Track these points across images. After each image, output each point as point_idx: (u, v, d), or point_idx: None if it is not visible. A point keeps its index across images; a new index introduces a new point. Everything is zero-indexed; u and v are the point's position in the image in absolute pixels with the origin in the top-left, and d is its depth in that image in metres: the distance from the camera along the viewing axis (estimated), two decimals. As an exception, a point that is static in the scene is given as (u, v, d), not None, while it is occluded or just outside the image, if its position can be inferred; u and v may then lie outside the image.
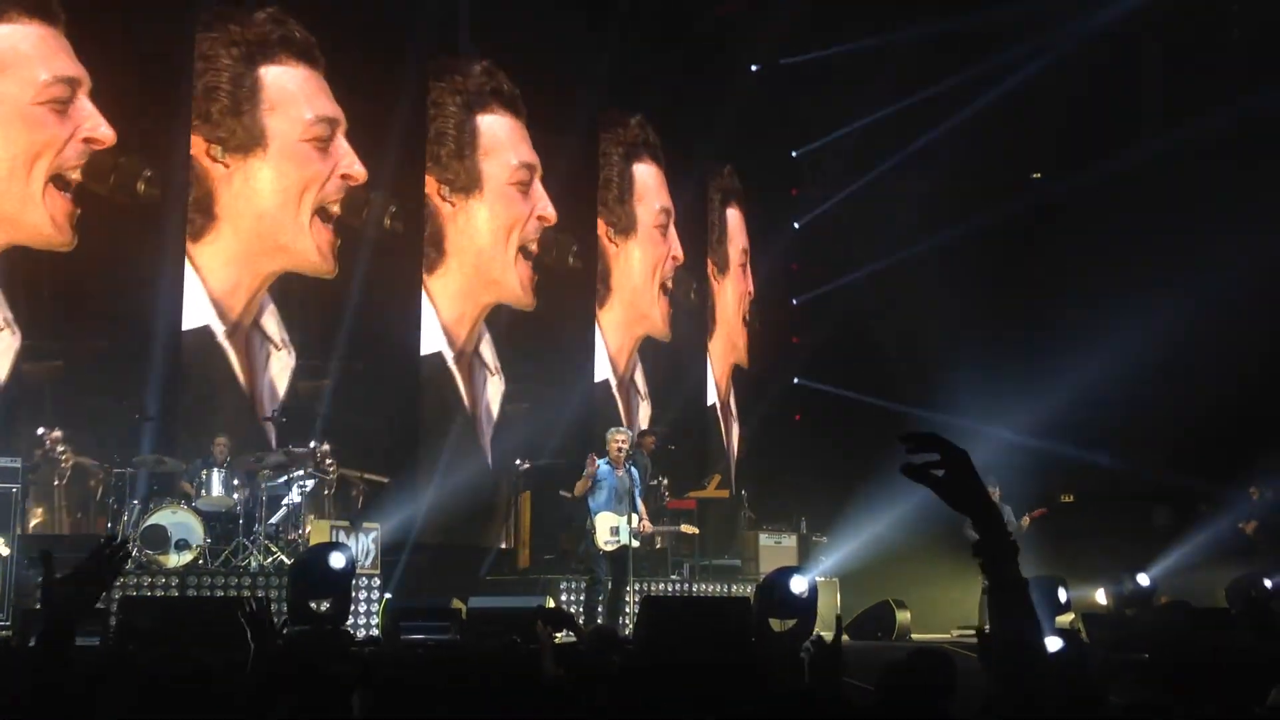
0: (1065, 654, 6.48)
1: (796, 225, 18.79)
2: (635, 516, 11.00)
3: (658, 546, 10.96)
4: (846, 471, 15.22)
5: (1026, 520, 13.32)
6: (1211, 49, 15.41)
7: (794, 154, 18.70)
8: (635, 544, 11.19)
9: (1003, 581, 2.38)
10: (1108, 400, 14.68)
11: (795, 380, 18.30)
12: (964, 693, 4.65)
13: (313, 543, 10.65)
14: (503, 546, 13.75)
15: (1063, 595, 10.10)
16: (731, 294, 18.35)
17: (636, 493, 11.07)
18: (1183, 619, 9.08)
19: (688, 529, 12.08)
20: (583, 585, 11.63)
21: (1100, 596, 11.39)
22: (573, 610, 11.57)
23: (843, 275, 17.60)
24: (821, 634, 5.75)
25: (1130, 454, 15.46)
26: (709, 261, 17.90)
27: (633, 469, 11.13)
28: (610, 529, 10.85)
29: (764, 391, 18.34)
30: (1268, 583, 9.87)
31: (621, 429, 11.64)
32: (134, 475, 10.73)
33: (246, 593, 9.77)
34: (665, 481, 13.45)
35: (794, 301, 18.80)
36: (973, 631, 12.54)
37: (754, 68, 18.03)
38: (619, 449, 11.11)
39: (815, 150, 18.26)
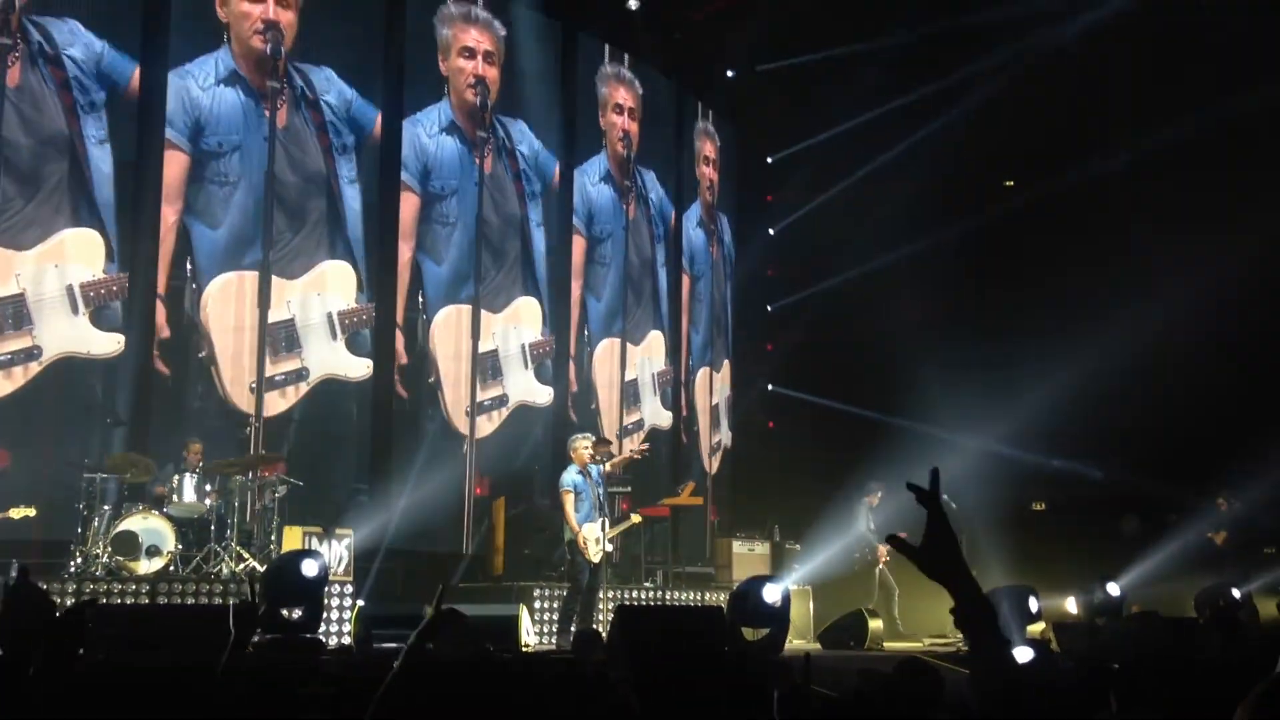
0: (1036, 664, 6.53)
1: (771, 231, 18.87)
2: (607, 521, 11.05)
3: (609, 549, 10.99)
4: (820, 479, 15.29)
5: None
6: (1183, 56, 15.52)
7: (769, 160, 18.78)
8: (610, 549, 11.22)
9: (983, 649, 2.39)
10: (1078, 408, 14.77)
11: (770, 387, 18.36)
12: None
13: (285, 549, 10.60)
14: (479, 553, 13.70)
15: (1033, 605, 10.16)
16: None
17: (601, 495, 11.11)
18: (1153, 629, 9.14)
19: (635, 518, 12.05)
20: (557, 593, 11.63)
21: (1070, 606, 11.46)
22: (549, 617, 11.60)
23: (818, 282, 17.67)
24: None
25: (1100, 463, 15.59)
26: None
27: (594, 473, 11.15)
28: (594, 539, 10.87)
29: (738, 398, 18.39)
30: (1236, 593, 9.96)
31: (585, 435, 11.64)
32: (104, 480, 10.65)
33: (219, 600, 9.72)
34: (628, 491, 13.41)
35: (769, 308, 18.85)
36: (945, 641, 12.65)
37: (729, 73, 18.11)
38: (589, 456, 11.14)
39: (790, 156, 18.34)
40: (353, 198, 13.33)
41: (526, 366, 14.81)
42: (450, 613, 3.55)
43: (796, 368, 17.89)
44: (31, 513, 10.19)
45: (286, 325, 12.75)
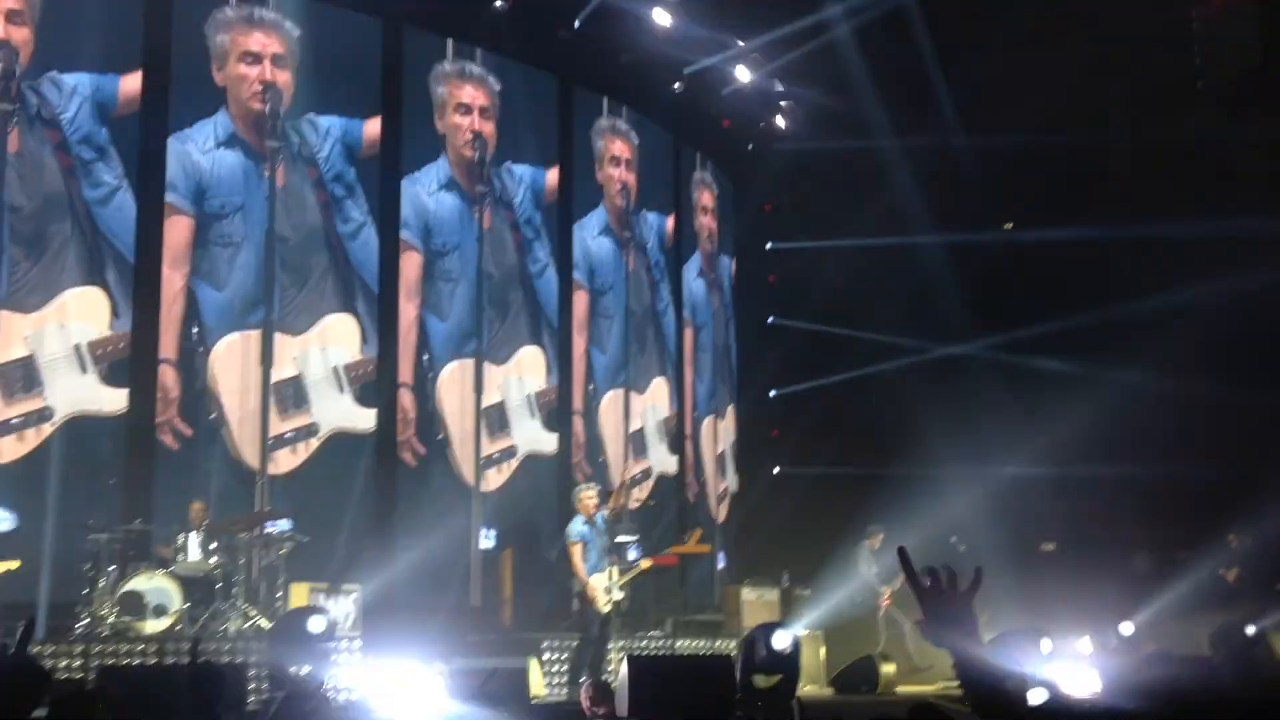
0: (1052, 706, 6.47)
1: (771, 280, 19.01)
2: (615, 570, 11.01)
3: (619, 598, 10.96)
4: (828, 521, 15.25)
5: (898, 582, 13.33)
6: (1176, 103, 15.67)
7: (769, 246, 18.93)
8: (620, 597, 11.18)
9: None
10: (1085, 448, 14.75)
11: (776, 470, 18.26)
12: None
13: (291, 605, 10.56)
14: (485, 605, 13.63)
15: (1045, 646, 10.07)
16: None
17: (607, 545, 11.09)
18: (1167, 668, 9.06)
19: (644, 563, 12.00)
20: (564, 643, 11.57)
21: (1084, 646, 11.35)
22: (559, 668, 11.53)
23: (818, 324, 17.75)
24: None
25: (1110, 501, 15.54)
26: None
27: (600, 523, 11.13)
28: (604, 589, 10.83)
29: (744, 442, 18.39)
30: (1250, 629, 9.87)
31: (590, 485, 11.63)
32: (109, 540, 10.62)
33: (227, 658, 9.66)
34: (636, 540, 13.36)
35: (771, 394, 18.76)
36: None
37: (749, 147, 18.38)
38: (595, 506, 11.12)
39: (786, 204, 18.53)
40: (355, 250, 13.40)
41: (533, 415, 14.83)
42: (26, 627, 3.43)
43: (799, 413, 17.91)
44: (15, 565, 10.05)
45: (293, 382, 12.77)
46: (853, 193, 17.05)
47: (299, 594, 10.87)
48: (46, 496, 11.15)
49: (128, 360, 11.83)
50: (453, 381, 14.12)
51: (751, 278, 19.11)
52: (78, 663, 9.43)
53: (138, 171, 12.13)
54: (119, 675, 8.31)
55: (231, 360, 12.44)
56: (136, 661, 9.53)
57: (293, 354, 12.79)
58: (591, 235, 16.24)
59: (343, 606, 11.08)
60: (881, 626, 13.44)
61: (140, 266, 12.04)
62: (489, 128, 14.78)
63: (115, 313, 11.76)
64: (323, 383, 12.95)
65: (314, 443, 12.82)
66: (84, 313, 11.61)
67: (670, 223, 17.52)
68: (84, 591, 10.32)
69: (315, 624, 8.78)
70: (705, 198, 18.45)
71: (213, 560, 10.80)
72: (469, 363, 14.28)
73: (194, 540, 10.81)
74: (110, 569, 10.38)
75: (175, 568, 10.59)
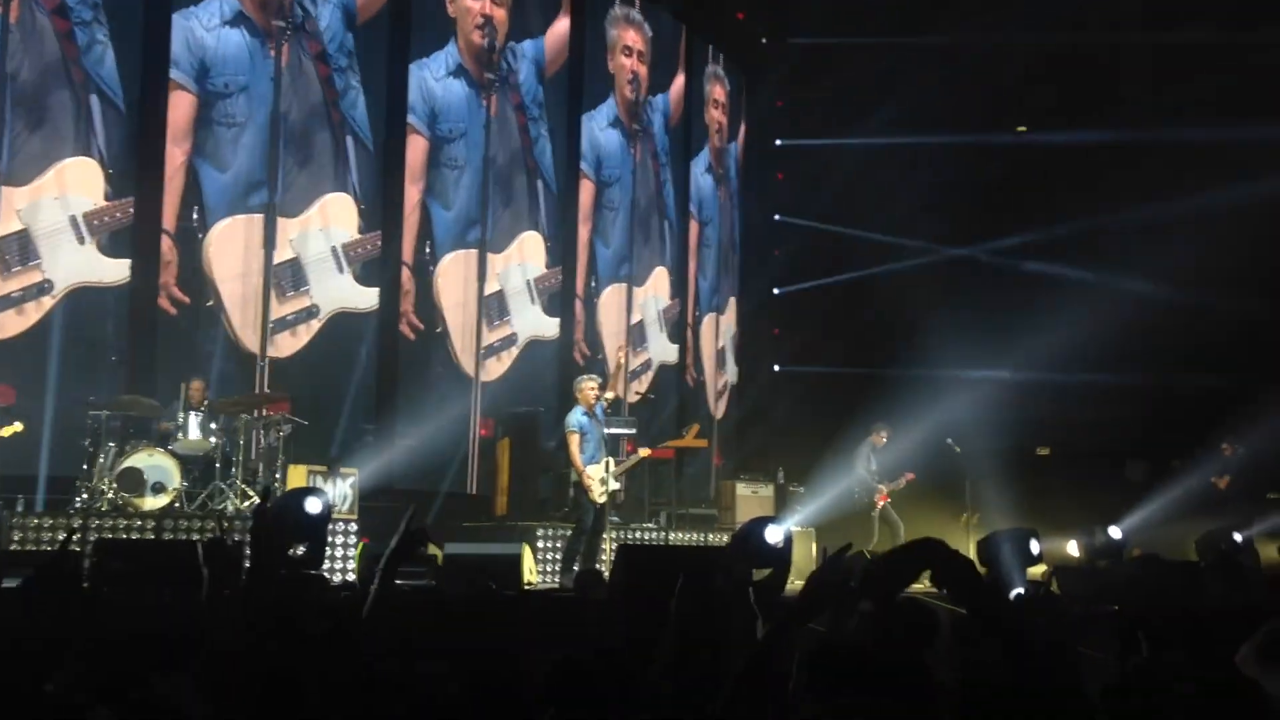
0: (1032, 601, 6.54)
1: (781, 177, 18.83)
2: (611, 461, 11.08)
3: (615, 489, 11.04)
4: (824, 420, 15.33)
5: (902, 482, 13.52)
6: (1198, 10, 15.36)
7: (778, 143, 18.68)
8: (617, 486, 11.25)
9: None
10: (1085, 356, 14.76)
11: (776, 368, 18.28)
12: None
13: (289, 487, 10.64)
14: (484, 493, 13.74)
15: (1034, 547, 10.15)
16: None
17: (605, 436, 11.14)
18: (1154, 572, 9.16)
19: (643, 452, 12.14)
20: (558, 532, 11.69)
21: (1072, 549, 11.47)
22: (552, 556, 11.67)
23: (824, 224, 17.62)
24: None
25: (1106, 409, 15.58)
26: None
27: (599, 413, 11.16)
28: (599, 480, 10.90)
29: (745, 339, 18.40)
30: (1237, 537, 9.97)
31: (591, 376, 11.65)
32: (110, 418, 10.67)
33: (225, 537, 9.76)
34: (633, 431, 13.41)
35: (775, 291, 18.69)
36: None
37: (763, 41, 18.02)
38: (595, 396, 11.15)
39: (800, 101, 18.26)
40: (355, 120, 13.26)
41: (534, 301, 14.81)
42: (421, 532, 3.60)
43: (802, 312, 17.89)
44: (19, 428, 10.08)
45: (292, 264, 12.71)
46: (865, 91, 16.80)
47: (297, 476, 10.94)
48: (48, 371, 11.16)
49: (128, 230, 11.74)
50: (454, 271, 14.06)
51: (760, 174, 18.95)
52: (76, 536, 9.53)
53: (141, 46, 11.94)
54: (115, 549, 8.40)
55: (230, 244, 12.34)
56: (135, 536, 9.65)
57: (290, 236, 12.71)
58: (600, 127, 16.07)
59: (340, 490, 11.17)
60: (876, 524, 13.54)
61: (142, 140, 11.90)
62: (500, 13, 14.55)
63: (110, 183, 11.64)
64: (322, 263, 12.89)
65: (315, 325, 12.80)
66: (79, 184, 11.49)
67: (676, 101, 17.29)
68: (83, 467, 10.39)
69: (312, 505, 8.83)
70: (717, 92, 18.21)
71: (212, 440, 10.86)
72: (471, 253, 14.21)
73: (194, 419, 10.86)
74: (110, 445, 10.44)
75: (175, 446, 10.65)
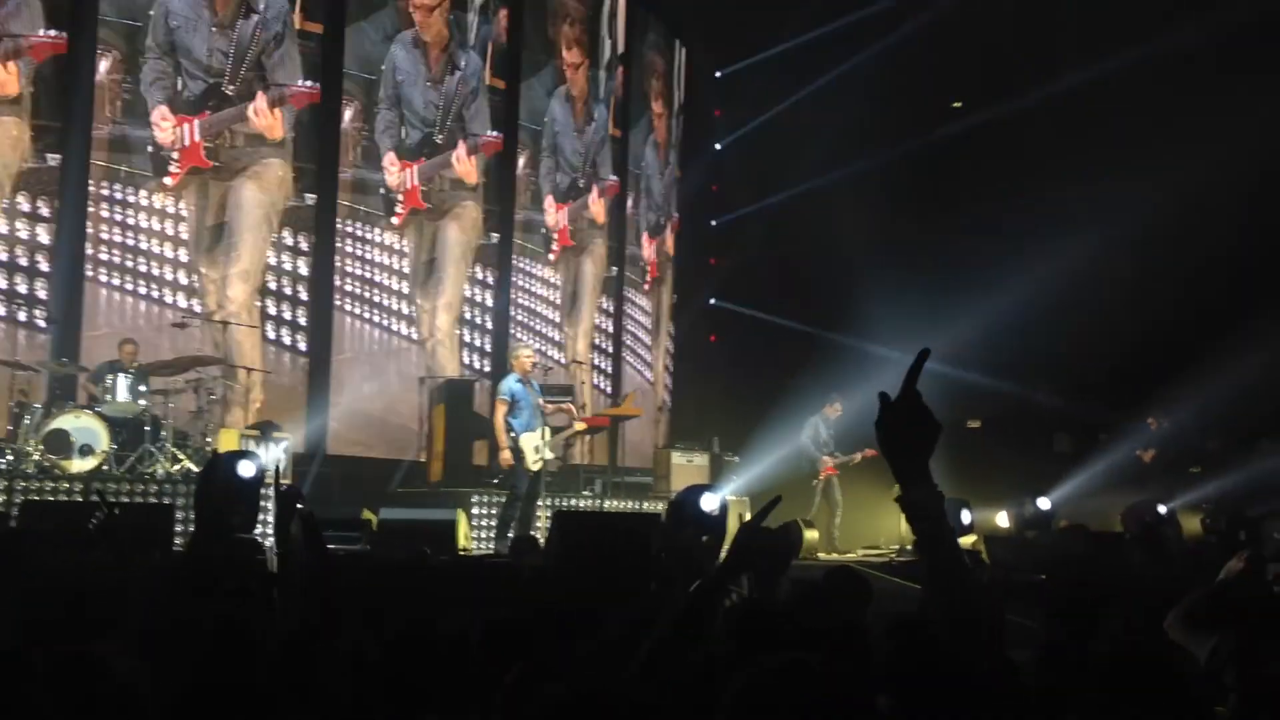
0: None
1: (718, 146, 18.77)
2: (548, 430, 11.08)
3: (550, 457, 11.08)
4: (760, 392, 15.39)
5: (859, 457, 13.51)
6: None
7: (718, 74, 18.61)
8: (551, 456, 11.26)
9: (938, 539, 2.40)
10: (1016, 328, 14.93)
11: (711, 301, 18.38)
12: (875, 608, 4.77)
13: (221, 450, 10.52)
14: (419, 459, 13.68)
15: (966, 517, 10.33)
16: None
17: (541, 404, 11.14)
18: (1080, 542, 9.33)
19: (579, 424, 12.19)
20: (493, 499, 11.68)
21: (1001, 519, 11.67)
22: (487, 523, 11.66)
23: (763, 198, 17.63)
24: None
25: (1034, 381, 15.80)
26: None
27: (534, 383, 11.16)
28: (534, 448, 10.88)
29: (681, 312, 18.42)
30: (1161, 509, 10.17)
31: (528, 344, 11.64)
32: (35, 377, 10.48)
33: (154, 499, 9.65)
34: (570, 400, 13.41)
35: (713, 223, 18.80)
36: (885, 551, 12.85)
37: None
38: (532, 365, 11.14)
39: (739, 71, 18.18)
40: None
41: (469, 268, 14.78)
42: (292, 492, 3.63)
43: (740, 283, 17.90)
44: None
45: (224, 226, 12.55)
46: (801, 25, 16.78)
47: (228, 439, 10.82)
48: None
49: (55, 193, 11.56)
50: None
51: (701, 116, 18.87)
52: (1, 498, 9.37)
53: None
54: (41, 510, 8.28)
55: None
56: (62, 499, 9.50)
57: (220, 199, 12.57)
58: (539, 95, 15.98)
59: (273, 454, 11.06)
60: (818, 495, 13.54)
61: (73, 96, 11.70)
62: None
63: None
64: (255, 227, 12.73)
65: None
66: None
67: (618, 84, 17.25)
68: (9, 428, 10.20)
69: (244, 468, 8.74)
70: (656, 62, 18.21)
71: (141, 403, 10.71)
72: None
73: (123, 381, 10.69)
74: (35, 407, 10.25)
75: (103, 408, 10.48)
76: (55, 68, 11.68)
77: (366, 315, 13.80)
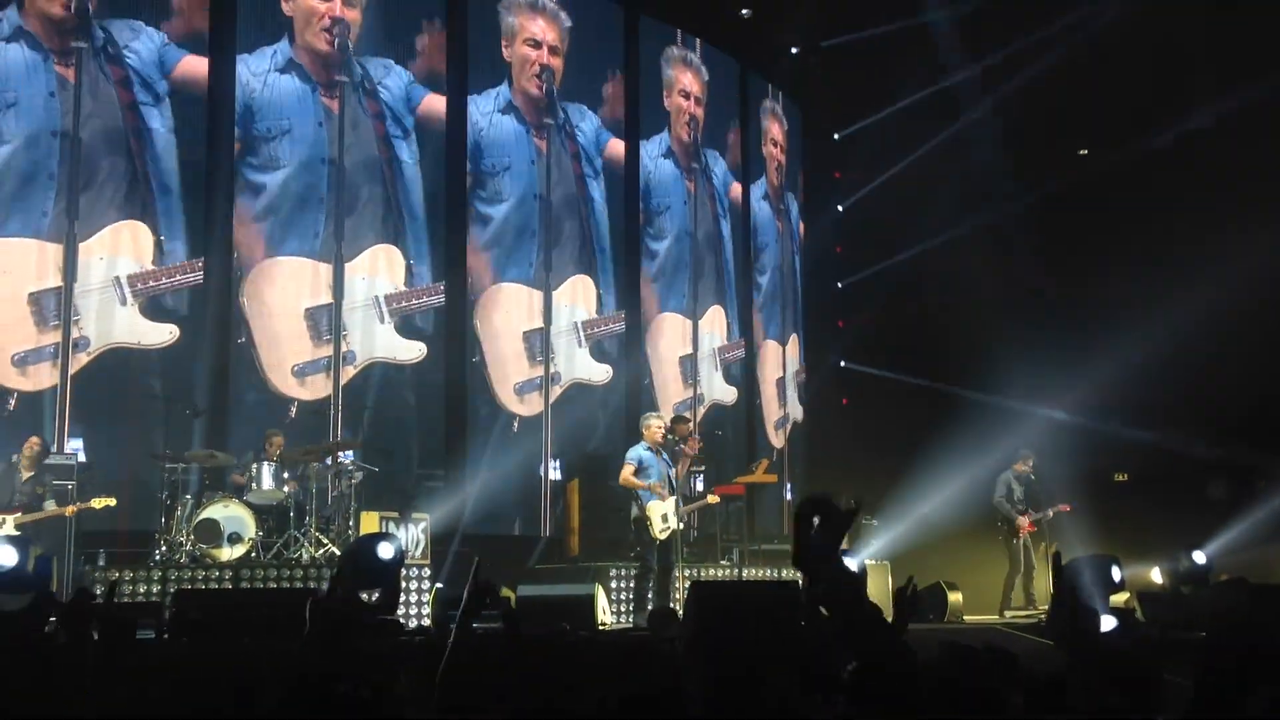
0: (1118, 633, 6.39)
1: (841, 209, 18.72)
2: (677, 501, 10.99)
3: (680, 527, 10.96)
4: (895, 453, 15.15)
5: (1051, 514, 13.17)
6: (1261, 15, 15.07)
7: (836, 136, 18.61)
8: (680, 526, 11.19)
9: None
10: (1160, 375, 14.49)
11: (841, 363, 18.23)
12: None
13: (362, 533, 10.71)
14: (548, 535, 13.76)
15: (1116, 574, 9.96)
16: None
17: (671, 476, 11.05)
18: (1241, 597, 8.94)
19: (711, 498, 12.13)
20: (631, 572, 11.65)
21: (1155, 575, 11.22)
22: (624, 597, 11.62)
23: (888, 257, 17.49)
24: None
25: (1184, 429, 15.26)
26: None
27: (663, 453, 11.11)
28: (661, 517, 10.83)
29: (811, 375, 18.31)
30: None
31: (657, 414, 11.65)
32: (186, 470, 10.84)
33: (299, 584, 9.84)
34: (703, 470, 13.34)
35: (839, 285, 18.70)
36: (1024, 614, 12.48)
37: (794, 50, 17.94)
38: (662, 434, 11.11)
39: (858, 132, 18.15)
40: (410, 181, 13.43)
41: (581, 345, 14.84)
42: (486, 584, 3.65)
43: (869, 344, 17.76)
44: (112, 502, 10.38)
45: (328, 309, 12.84)
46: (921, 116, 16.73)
47: (369, 522, 11.01)
48: (99, 425, 11.41)
49: (191, 292, 12.04)
50: (498, 307, 14.15)
51: (819, 211, 18.88)
52: (156, 588, 9.66)
53: (204, 102, 12.25)
54: (193, 598, 8.50)
55: (270, 287, 12.54)
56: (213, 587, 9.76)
57: (327, 282, 12.85)
58: (651, 156, 16.17)
59: (412, 535, 11.22)
60: (1021, 552, 13.19)
61: (207, 195, 12.26)
62: (557, 62, 14.75)
63: (160, 248, 11.90)
64: (360, 311, 13.01)
65: (349, 370, 12.89)
66: (128, 248, 11.77)
67: (734, 142, 17.35)
68: (161, 520, 10.55)
69: (385, 550, 8.87)
70: (774, 129, 18.32)
71: (285, 489, 10.98)
72: (517, 287, 14.27)
73: (266, 470, 10.99)
74: (186, 498, 10.59)
75: (249, 496, 10.78)
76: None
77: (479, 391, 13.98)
